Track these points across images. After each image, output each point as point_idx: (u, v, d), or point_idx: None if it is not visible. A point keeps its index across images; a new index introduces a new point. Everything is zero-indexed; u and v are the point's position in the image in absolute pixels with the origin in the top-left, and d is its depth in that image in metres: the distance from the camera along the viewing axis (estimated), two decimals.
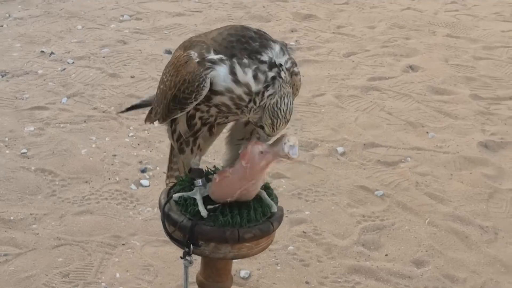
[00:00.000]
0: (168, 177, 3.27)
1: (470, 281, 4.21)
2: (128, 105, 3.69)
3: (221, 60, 2.55)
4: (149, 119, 3.16)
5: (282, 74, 2.58)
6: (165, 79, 2.77)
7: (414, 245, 4.49)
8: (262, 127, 2.64)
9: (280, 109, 2.57)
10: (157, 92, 2.94)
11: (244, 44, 2.58)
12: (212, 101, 2.61)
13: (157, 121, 2.96)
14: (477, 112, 6.28)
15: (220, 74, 2.55)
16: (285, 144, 2.68)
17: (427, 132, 5.86)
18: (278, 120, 2.58)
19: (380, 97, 6.48)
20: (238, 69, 2.54)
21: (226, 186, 2.76)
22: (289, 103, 2.59)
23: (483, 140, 5.78)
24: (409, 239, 4.54)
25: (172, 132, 2.87)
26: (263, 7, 8.76)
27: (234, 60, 2.54)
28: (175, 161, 3.20)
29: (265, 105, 2.57)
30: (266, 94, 2.55)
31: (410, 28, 8.33)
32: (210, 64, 2.55)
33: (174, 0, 8.83)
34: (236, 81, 2.54)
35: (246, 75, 2.53)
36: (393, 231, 4.61)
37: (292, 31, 7.98)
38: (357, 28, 8.24)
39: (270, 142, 2.78)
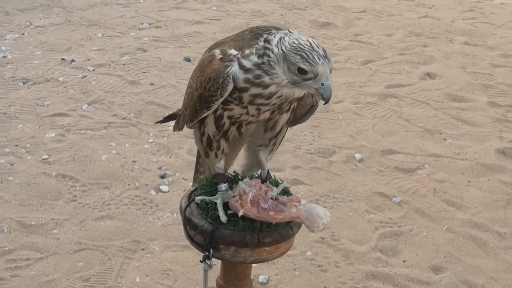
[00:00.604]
0: (195, 179, 3.29)
1: (488, 287, 4.22)
2: (159, 116, 3.68)
3: (234, 56, 2.60)
4: (177, 127, 3.18)
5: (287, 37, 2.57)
6: (192, 82, 2.81)
7: (432, 251, 4.51)
8: (301, 71, 2.52)
9: (301, 44, 2.50)
10: (184, 98, 2.98)
11: (254, 32, 2.63)
12: (243, 99, 2.65)
13: (185, 125, 2.97)
14: (495, 119, 6.28)
15: (236, 70, 2.59)
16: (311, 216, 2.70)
17: (445, 139, 5.88)
18: (308, 53, 2.48)
19: (398, 104, 6.50)
20: (244, 62, 2.58)
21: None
22: (311, 40, 2.52)
23: (500, 147, 5.79)
24: (426, 246, 4.56)
25: (201, 135, 2.88)
26: (281, 15, 8.81)
27: (239, 55, 2.58)
28: (201, 163, 3.21)
29: (283, 51, 2.52)
30: (274, 41, 2.54)
31: (428, 36, 8.35)
32: (229, 61, 2.59)
33: (193, 9, 8.90)
34: (247, 70, 2.58)
35: (252, 62, 2.57)
36: (411, 238, 4.63)
37: None
38: (375, 36, 8.27)
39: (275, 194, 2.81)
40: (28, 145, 5.43)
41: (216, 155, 2.89)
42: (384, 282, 4.22)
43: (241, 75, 2.58)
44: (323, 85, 2.52)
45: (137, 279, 4.11)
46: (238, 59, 2.58)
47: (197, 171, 3.27)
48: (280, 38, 2.54)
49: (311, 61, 2.48)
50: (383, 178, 5.29)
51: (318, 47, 2.50)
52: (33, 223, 4.54)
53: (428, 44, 8.06)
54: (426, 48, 7.92)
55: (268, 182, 2.97)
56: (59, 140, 5.53)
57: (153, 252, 4.35)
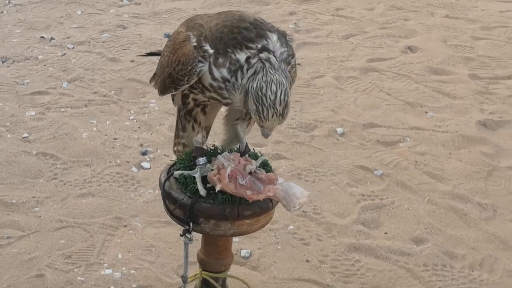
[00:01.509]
0: (175, 143, 3.25)
1: (469, 258, 4.25)
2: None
3: (209, 56, 2.60)
4: (153, 80, 3.17)
5: (272, 59, 2.56)
6: (165, 53, 2.81)
7: (413, 223, 4.53)
8: (250, 115, 2.60)
9: (265, 96, 2.49)
10: (159, 61, 2.97)
11: (234, 34, 2.61)
12: (205, 94, 2.68)
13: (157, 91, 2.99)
14: (476, 92, 6.30)
15: (205, 70, 2.60)
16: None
17: (426, 112, 5.89)
18: (264, 108, 2.49)
19: (379, 78, 6.50)
20: (214, 70, 2.59)
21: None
22: (279, 92, 2.50)
23: (481, 119, 5.81)
24: (408, 217, 4.58)
25: (172, 100, 2.92)
26: None
27: (211, 60, 2.59)
28: (181, 136, 3.21)
29: (248, 88, 2.52)
30: (249, 71, 2.54)
31: (409, 10, 8.33)
32: (202, 56, 2.60)
33: None
34: (214, 79, 2.60)
35: (221, 74, 2.59)
36: (392, 210, 4.65)
37: (291, 14, 7.99)
38: (356, 10, 8.24)
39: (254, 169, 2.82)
40: (8, 123, 5.40)
41: (193, 128, 2.89)
42: (366, 254, 4.25)
43: (207, 77, 2.60)
44: (263, 131, 2.62)
45: (120, 256, 4.11)
46: (210, 63, 2.59)
47: (177, 135, 3.25)
48: (255, 72, 2.53)
49: (263, 117, 2.52)
50: (364, 151, 5.30)
51: (281, 103, 2.50)
52: (14, 201, 4.52)
53: (409, 18, 8.04)
54: (407, 22, 7.91)
55: (247, 155, 2.98)
56: (39, 119, 5.49)
57: (135, 228, 4.35)
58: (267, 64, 2.54)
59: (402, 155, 5.26)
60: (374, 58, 6.91)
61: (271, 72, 2.53)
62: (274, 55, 2.59)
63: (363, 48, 7.15)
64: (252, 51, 2.56)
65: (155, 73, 3.13)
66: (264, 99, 2.48)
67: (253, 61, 2.55)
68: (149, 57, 6.49)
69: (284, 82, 2.52)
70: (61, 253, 4.09)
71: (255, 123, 3.00)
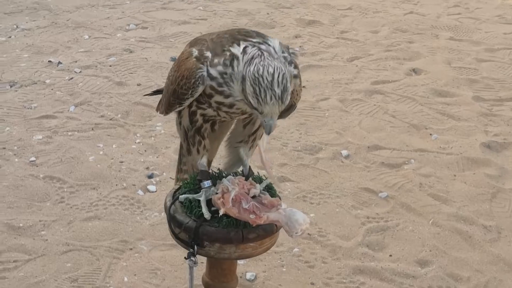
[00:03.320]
0: (177, 179, 3.29)
1: (474, 280, 4.25)
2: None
3: (207, 60, 2.61)
4: (159, 108, 3.18)
5: (271, 50, 2.54)
6: (170, 74, 2.84)
7: (418, 245, 4.54)
8: (250, 102, 2.50)
9: (262, 77, 2.43)
10: (164, 86, 3.01)
11: (235, 35, 2.64)
12: (211, 104, 2.68)
13: (163, 113, 3.00)
14: (480, 114, 6.33)
15: (205, 75, 2.61)
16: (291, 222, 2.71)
17: (431, 134, 5.92)
18: (262, 89, 2.42)
19: (384, 100, 6.54)
20: (210, 70, 2.61)
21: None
22: (277, 74, 2.43)
23: (486, 141, 5.83)
24: (413, 240, 4.59)
25: (179, 124, 2.93)
26: (267, 14, 8.84)
27: (208, 63, 2.60)
28: (184, 162, 3.22)
29: (245, 72, 2.48)
30: (245, 57, 2.52)
31: (413, 32, 8.39)
32: (203, 64, 2.61)
33: (179, 9, 8.92)
34: (212, 78, 2.60)
35: (217, 71, 2.60)
36: (397, 232, 4.66)
37: (296, 37, 8.05)
38: (361, 33, 8.31)
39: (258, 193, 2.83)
40: (16, 147, 5.44)
41: (198, 152, 2.92)
42: (370, 277, 4.26)
43: (207, 81, 2.62)
44: (265, 121, 2.52)
45: (125, 279, 4.13)
46: (207, 67, 2.60)
47: (179, 170, 3.28)
48: (252, 57, 2.50)
49: (261, 100, 2.45)
50: (369, 173, 5.32)
51: (279, 84, 2.44)
52: (21, 225, 4.55)
53: (413, 40, 8.10)
54: (412, 44, 7.96)
55: (251, 178, 3.00)
56: (46, 142, 5.54)
57: (141, 251, 4.37)
58: (265, 52, 2.51)
59: (407, 177, 5.27)
60: (378, 80, 6.95)
61: (269, 58, 2.48)
62: (274, 50, 2.57)
63: (368, 70, 7.20)
64: (251, 42, 2.57)
65: (160, 100, 3.16)
66: (261, 79, 2.42)
67: (250, 50, 2.52)
68: (156, 81, 6.56)
69: (283, 68, 2.46)
70: (68, 277, 4.11)
71: (257, 146, 3.04)
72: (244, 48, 2.55)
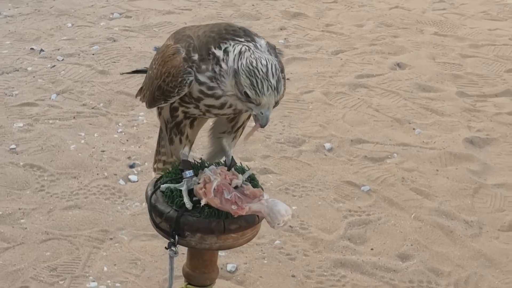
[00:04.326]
0: (156, 161, 3.26)
1: (455, 275, 4.25)
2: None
3: (195, 65, 2.60)
4: (139, 94, 3.15)
5: (258, 46, 2.57)
6: (154, 67, 2.81)
7: (400, 239, 4.54)
8: (246, 94, 2.51)
9: (257, 69, 2.46)
10: (146, 75, 2.97)
11: (222, 34, 2.63)
12: (200, 107, 2.67)
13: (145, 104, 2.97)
14: (464, 109, 6.33)
15: (193, 80, 2.61)
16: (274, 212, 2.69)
17: (414, 129, 5.92)
18: (258, 81, 2.45)
19: (368, 94, 6.53)
20: (199, 76, 2.60)
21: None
22: (269, 66, 2.47)
23: (469, 136, 5.83)
24: (394, 234, 4.59)
25: (159, 114, 2.92)
26: (252, 5, 8.80)
27: (194, 69, 2.59)
28: (163, 145, 3.20)
29: (238, 67, 2.50)
30: (232, 54, 2.53)
31: (398, 27, 8.38)
32: (189, 67, 2.60)
33: None
34: (201, 83, 2.60)
35: (206, 76, 2.59)
36: (379, 226, 4.65)
37: (281, 29, 8.02)
38: (346, 27, 8.29)
39: (240, 183, 2.81)
40: None
41: (181, 141, 2.89)
42: (352, 270, 4.25)
43: (195, 86, 2.61)
44: (262, 113, 2.53)
45: (105, 268, 4.10)
46: (194, 72, 2.59)
47: (158, 152, 3.24)
48: (240, 52, 2.51)
49: (258, 91, 2.46)
50: (352, 167, 5.31)
51: (273, 75, 2.47)
52: (0, 213, 4.50)
53: (398, 35, 8.09)
54: (397, 39, 7.96)
55: (233, 169, 2.98)
56: (27, 130, 5.48)
57: (121, 241, 4.34)
58: (252, 47, 2.53)
59: (390, 171, 5.26)
60: (363, 74, 6.94)
61: (258, 51, 2.52)
62: (261, 46, 2.60)
63: (352, 64, 7.19)
64: (237, 42, 2.58)
65: (141, 87, 3.12)
66: (256, 71, 2.45)
67: (233, 47, 2.54)
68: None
69: (273, 59, 2.51)
70: (47, 265, 4.07)
71: (241, 136, 3.01)
72: (225, 49, 2.56)
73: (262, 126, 2.58)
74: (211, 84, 2.58)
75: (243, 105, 2.58)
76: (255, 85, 2.46)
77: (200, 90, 2.61)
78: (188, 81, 2.60)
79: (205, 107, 2.66)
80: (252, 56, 2.49)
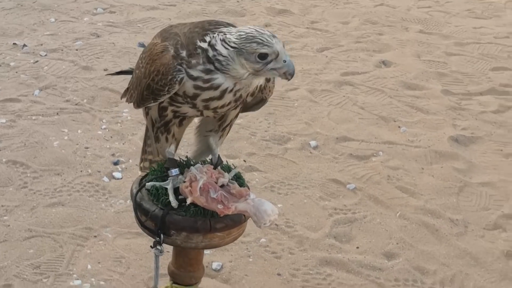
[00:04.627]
0: (142, 160, 3.24)
1: (440, 273, 4.25)
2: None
3: (184, 62, 2.57)
4: (125, 96, 3.12)
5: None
6: (141, 66, 2.77)
7: (385, 237, 4.53)
8: (262, 56, 2.52)
9: (247, 33, 2.51)
10: (133, 74, 2.94)
11: (205, 26, 2.62)
12: (197, 105, 2.64)
13: (132, 104, 2.94)
14: (449, 107, 6.34)
15: (185, 78, 2.58)
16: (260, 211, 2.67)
17: (399, 127, 5.91)
18: (258, 38, 2.50)
19: (353, 91, 6.52)
20: (191, 71, 2.57)
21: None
22: (251, 27, 2.54)
23: (454, 134, 5.83)
24: (380, 232, 4.58)
25: (146, 114, 2.88)
26: (237, 1, 8.76)
27: (185, 65, 2.56)
28: (149, 144, 3.17)
29: (235, 46, 2.52)
30: (218, 44, 2.55)
31: (383, 24, 8.38)
32: (179, 64, 2.57)
33: None
34: (195, 78, 2.57)
35: (199, 69, 2.57)
36: (365, 224, 4.64)
37: (266, 26, 7.99)
38: (331, 24, 8.28)
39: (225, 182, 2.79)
40: None
41: (167, 140, 2.86)
42: (337, 268, 4.23)
43: (189, 83, 2.58)
44: (285, 62, 2.54)
45: (89, 266, 4.06)
46: (185, 69, 2.57)
47: (144, 151, 3.21)
48: (223, 40, 2.53)
49: (267, 44, 2.49)
50: (337, 165, 5.30)
51: (263, 30, 2.52)
52: None
53: (383, 32, 8.09)
54: (382, 36, 7.95)
55: (220, 167, 2.95)
56: (9, 126, 5.43)
57: (106, 239, 4.30)
58: (231, 30, 2.58)
59: (375, 169, 5.26)
60: (348, 71, 6.93)
61: (234, 30, 2.57)
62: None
63: (338, 61, 7.17)
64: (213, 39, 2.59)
65: (127, 88, 3.08)
66: (250, 35, 2.50)
67: (211, 37, 2.57)
68: (123, 67, 6.47)
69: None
70: (30, 263, 4.03)
71: (227, 134, 2.99)
72: (210, 43, 2.56)
73: (291, 74, 2.60)
74: (206, 77, 2.56)
75: (263, 74, 2.59)
76: (261, 41, 2.49)
77: (195, 85, 2.58)
78: (179, 79, 2.57)
79: (203, 102, 2.63)
80: (234, 32, 2.54)
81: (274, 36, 2.52)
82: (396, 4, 9.16)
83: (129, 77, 3.08)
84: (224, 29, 2.58)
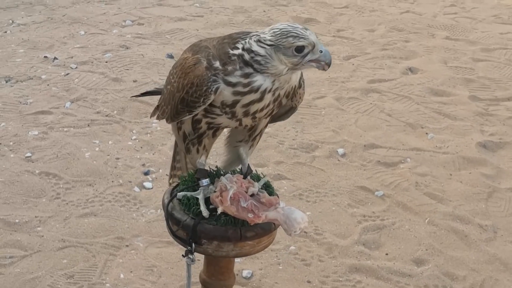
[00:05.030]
0: (171, 176, 3.29)
1: (470, 279, 4.26)
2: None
3: (219, 71, 2.62)
4: (155, 114, 3.17)
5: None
6: (173, 80, 2.81)
7: (414, 244, 4.55)
8: (299, 50, 2.57)
9: (281, 29, 2.56)
10: (163, 91, 2.98)
11: (233, 36, 2.67)
12: (236, 113, 2.69)
13: (165, 120, 2.99)
14: (476, 113, 6.34)
15: (223, 87, 2.62)
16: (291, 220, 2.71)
17: (427, 133, 5.92)
18: (293, 32, 2.54)
19: (380, 99, 6.54)
20: (230, 78, 2.61)
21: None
22: (284, 23, 2.59)
23: (482, 140, 5.84)
24: (409, 238, 4.59)
25: (178, 129, 2.92)
26: (264, 11, 8.83)
27: (221, 73, 2.61)
28: (178, 160, 3.22)
29: (272, 43, 2.57)
30: (255, 45, 2.59)
31: (409, 31, 8.39)
32: (214, 75, 2.62)
33: (175, 5, 8.91)
34: (234, 85, 2.61)
35: (237, 75, 2.61)
36: (393, 231, 4.66)
37: None
38: (357, 32, 8.31)
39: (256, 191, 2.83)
40: (11, 143, 5.43)
41: (198, 151, 2.90)
42: (367, 275, 4.26)
43: (228, 91, 2.62)
44: (322, 52, 2.59)
45: (122, 276, 4.12)
46: (222, 78, 2.61)
47: (173, 167, 3.27)
48: (258, 40, 2.58)
49: (303, 36, 2.55)
50: (365, 172, 5.32)
51: (295, 24, 2.57)
52: (17, 221, 4.54)
53: (410, 39, 8.10)
54: (408, 43, 7.97)
55: (249, 176, 2.99)
56: (42, 138, 5.52)
57: (137, 248, 4.36)
58: (258, 33, 2.62)
59: (403, 176, 5.27)
60: (375, 79, 6.95)
61: (267, 29, 2.61)
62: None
63: (364, 69, 7.20)
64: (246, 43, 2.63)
65: (157, 106, 3.13)
66: (284, 30, 2.55)
67: (242, 42, 2.62)
68: (152, 78, 6.55)
69: None
70: (64, 273, 4.10)
71: (258, 144, 3.03)
72: (242, 47, 2.60)
73: (328, 64, 2.63)
74: (246, 80, 2.60)
75: (302, 67, 2.63)
76: (297, 35, 2.54)
77: (235, 91, 2.61)
78: (213, 88, 2.61)
79: (243, 108, 2.66)
80: (267, 31, 2.59)
81: (306, 29, 2.56)
82: (422, 11, 9.17)
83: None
84: (255, 33, 2.63)
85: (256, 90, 2.62)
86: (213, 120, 2.75)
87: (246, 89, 2.61)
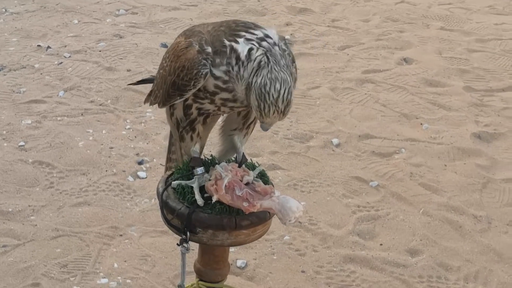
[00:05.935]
0: (167, 168, 3.28)
1: (464, 270, 4.26)
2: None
3: (210, 57, 2.60)
4: (148, 100, 3.16)
5: (275, 51, 2.55)
6: (165, 64, 2.80)
7: (409, 234, 4.54)
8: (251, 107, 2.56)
9: (268, 93, 2.47)
10: (156, 76, 2.97)
11: (231, 29, 2.63)
12: (215, 101, 2.67)
13: (157, 104, 2.97)
14: (471, 104, 6.33)
15: (209, 73, 2.61)
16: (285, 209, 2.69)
17: (421, 124, 5.92)
18: (266, 106, 2.47)
19: (375, 89, 6.53)
20: (214, 70, 2.60)
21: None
22: (283, 91, 2.47)
23: (476, 131, 5.83)
24: (403, 229, 4.59)
25: (171, 115, 2.91)
26: (258, 1, 8.80)
27: (209, 62, 2.59)
28: (173, 151, 3.21)
29: (252, 82, 2.51)
30: (252, 64, 2.54)
31: (404, 22, 8.38)
32: (204, 59, 2.60)
33: None
34: (216, 77, 2.60)
35: (221, 70, 2.59)
36: (388, 221, 4.66)
37: (287, 24, 8.02)
38: (352, 22, 8.29)
39: (251, 180, 2.82)
40: (4, 132, 5.40)
41: (192, 139, 2.89)
42: (361, 266, 4.25)
43: (211, 80, 2.61)
44: (263, 126, 2.61)
45: (115, 265, 4.11)
46: (210, 66, 2.59)
47: (169, 159, 3.26)
48: (259, 65, 2.52)
49: (264, 114, 2.51)
50: (360, 162, 5.31)
51: (283, 101, 2.49)
52: (10, 210, 4.52)
53: (404, 30, 8.09)
54: (403, 34, 7.95)
55: (244, 165, 2.98)
56: (35, 127, 5.50)
57: (131, 238, 4.35)
58: (271, 59, 2.52)
59: (398, 166, 5.27)
60: (369, 69, 6.94)
61: (276, 69, 2.50)
62: (277, 45, 2.58)
63: (359, 59, 7.19)
64: (253, 41, 2.56)
65: (150, 92, 3.12)
66: (267, 96, 2.46)
67: (256, 53, 2.54)
68: (146, 67, 6.52)
69: (289, 80, 2.50)
70: (57, 262, 4.09)
71: (252, 132, 3.02)
72: (249, 50, 2.55)
73: (264, 130, 2.65)
74: (226, 78, 2.59)
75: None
76: (262, 109, 2.49)
77: (216, 84, 2.61)
78: (204, 73, 2.60)
79: (220, 100, 2.66)
80: (269, 75, 2.49)
81: (282, 113, 2.50)
82: (417, 1, 9.15)
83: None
84: (265, 44, 2.56)
85: (230, 91, 2.62)
86: (202, 105, 2.74)
87: (224, 86, 2.61)
